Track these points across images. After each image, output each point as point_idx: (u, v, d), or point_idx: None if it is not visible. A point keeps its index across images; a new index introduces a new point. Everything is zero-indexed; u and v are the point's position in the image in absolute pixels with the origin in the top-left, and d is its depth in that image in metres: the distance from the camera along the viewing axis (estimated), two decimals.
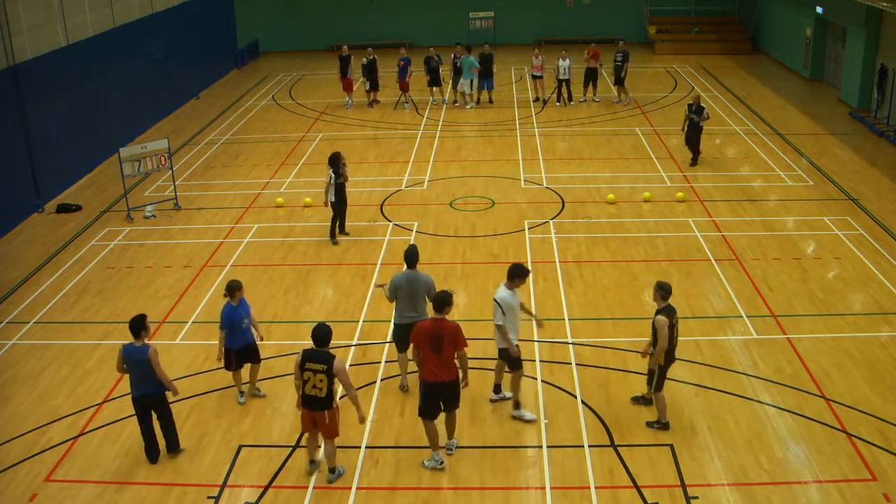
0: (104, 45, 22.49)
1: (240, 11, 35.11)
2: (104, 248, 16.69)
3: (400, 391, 11.42)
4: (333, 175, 15.84)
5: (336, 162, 15.93)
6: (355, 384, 11.64)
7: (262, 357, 11.28)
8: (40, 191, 18.99)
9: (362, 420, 9.65)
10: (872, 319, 13.12)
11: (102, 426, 10.96)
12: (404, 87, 26.14)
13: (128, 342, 10.01)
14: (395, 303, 11.22)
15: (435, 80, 26.53)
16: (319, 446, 9.97)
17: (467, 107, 26.04)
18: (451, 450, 10.18)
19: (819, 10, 27.20)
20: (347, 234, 16.59)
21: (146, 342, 9.95)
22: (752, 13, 34.67)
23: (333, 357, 9.23)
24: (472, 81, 25.66)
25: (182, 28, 28.27)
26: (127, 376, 10.89)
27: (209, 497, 9.58)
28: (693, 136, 20.05)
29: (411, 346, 10.02)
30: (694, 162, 20.26)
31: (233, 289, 10.98)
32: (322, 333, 9.29)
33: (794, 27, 30.02)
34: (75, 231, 17.63)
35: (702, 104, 20.09)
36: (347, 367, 12.07)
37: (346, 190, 16.34)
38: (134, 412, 10.19)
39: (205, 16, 30.86)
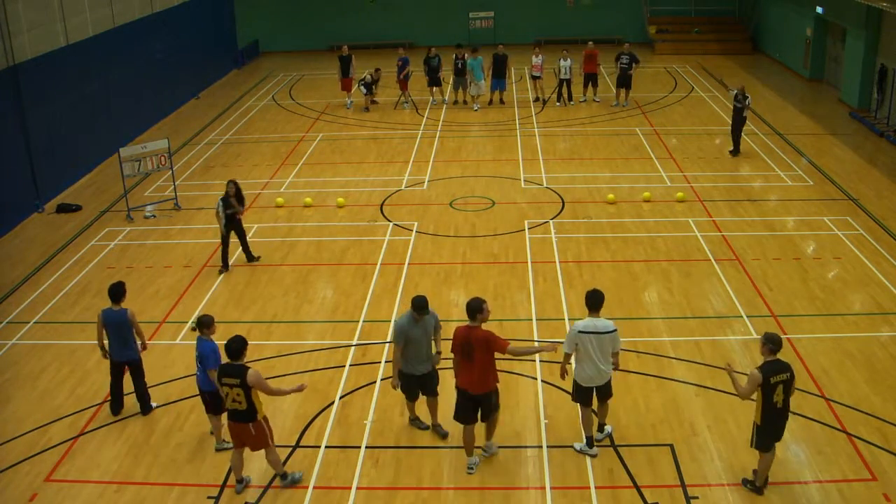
0: (104, 45, 22.48)
1: (240, 11, 35.11)
2: (104, 248, 16.69)
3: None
4: (222, 205, 14.85)
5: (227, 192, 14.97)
6: (355, 384, 11.68)
7: (263, 356, 11.15)
8: (40, 191, 18.98)
9: (301, 388, 9.42)
10: (872, 319, 13.12)
11: (102, 426, 10.96)
12: (403, 87, 26.14)
13: (106, 307, 10.76)
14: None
15: (435, 80, 26.51)
16: (268, 468, 9.60)
17: (475, 107, 25.95)
18: (489, 451, 10.09)
19: (819, 10, 27.18)
20: (257, 258, 15.61)
21: (123, 306, 10.69)
22: (752, 13, 34.65)
23: (247, 369, 8.96)
24: (481, 83, 25.56)
25: (182, 28, 28.26)
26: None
27: (209, 497, 9.57)
28: (734, 125, 20.87)
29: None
30: (735, 152, 20.93)
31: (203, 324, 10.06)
32: (233, 347, 9.01)
33: (794, 27, 30.01)
34: (75, 231, 17.62)
35: (746, 93, 20.63)
36: (349, 364, 12.10)
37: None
38: (111, 372, 10.95)
39: (205, 16, 30.86)
